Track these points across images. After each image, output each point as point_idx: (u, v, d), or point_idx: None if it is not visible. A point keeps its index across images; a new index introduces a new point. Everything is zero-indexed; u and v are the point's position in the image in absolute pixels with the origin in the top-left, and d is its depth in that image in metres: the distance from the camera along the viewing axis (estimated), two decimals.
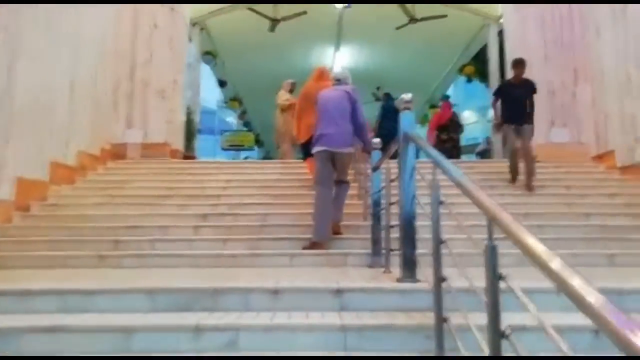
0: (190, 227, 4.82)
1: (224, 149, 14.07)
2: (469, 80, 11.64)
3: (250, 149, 14.81)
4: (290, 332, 2.44)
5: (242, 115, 14.31)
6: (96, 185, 6.33)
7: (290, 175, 6.67)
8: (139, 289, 2.86)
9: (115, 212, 5.35)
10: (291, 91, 8.46)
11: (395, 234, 3.34)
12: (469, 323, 1.75)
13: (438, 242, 2.13)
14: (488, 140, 12.38)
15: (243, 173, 6.85)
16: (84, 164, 6.70)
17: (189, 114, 8.63)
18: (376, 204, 4.05)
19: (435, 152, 2.34)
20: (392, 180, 3.44)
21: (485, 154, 11.87)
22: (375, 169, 4.08)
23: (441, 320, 2.03)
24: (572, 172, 6.82)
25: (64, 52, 6.19)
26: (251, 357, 2.35)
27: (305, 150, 5.60)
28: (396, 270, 3.20)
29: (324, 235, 4.31)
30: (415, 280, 2.89)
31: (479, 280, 1.68)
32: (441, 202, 2.21)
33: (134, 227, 4.79)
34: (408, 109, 2.78)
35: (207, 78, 11.77)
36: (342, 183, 4.56)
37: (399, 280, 2.94)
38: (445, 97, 10.70)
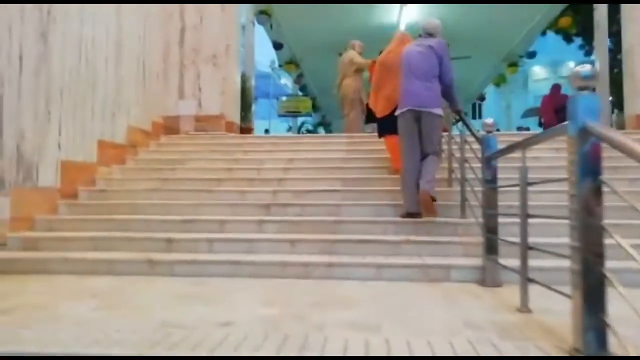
0: (253, 222, 4.09)
1: (280, 115, 13.31)
2: (567, 36, 9.94)
3: (307, 114, 13.95)
4: None
5: (298, 78, 13.39)
6: (147, 165, 5.75)
7: (359, 153, 5.78)
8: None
9: (167, 199, 4.72)
10: (360, 55, 7.44)
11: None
12: None
13: None
14: None
15: (305, 150, 6.03)
16: (134, 140, 6.14)
17: (243, 81, 7.83)
18: (490, 205, 3.10)
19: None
20: (529, 184, 2.47)
21: None
22: (489, 160, 3.11)
23: None
24: None
25: (105, 14, 5.51)
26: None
27: (383, 127, 4.83)
28: (537, 304, 2.30)
29: (412, 205, 3.91)
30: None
31: None
32: None
33: (188, 221, 4.14)
34: (586, 88, 1.78)
35: (261, 39, 10.87)
36: (428, 155, 3.89)
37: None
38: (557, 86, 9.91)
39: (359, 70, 7.13)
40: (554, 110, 9.55)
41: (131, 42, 6.09)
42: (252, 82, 8.66)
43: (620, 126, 6.96)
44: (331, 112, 20.44)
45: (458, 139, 4.38)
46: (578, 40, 24.05)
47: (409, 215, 3.94)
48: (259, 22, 9.28)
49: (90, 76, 5.18)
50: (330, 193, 4.66)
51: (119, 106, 5.80)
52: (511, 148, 2.76)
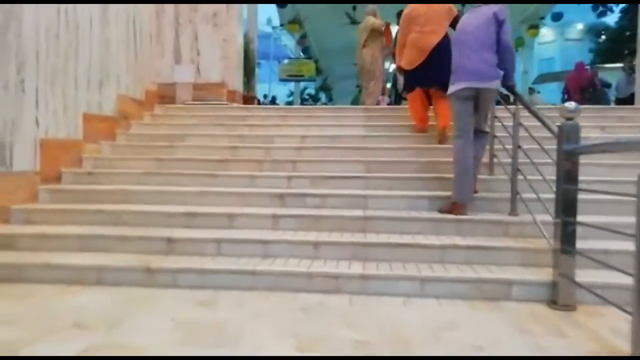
0: (266, 217, 3.48)
1: (281, 80, 12.47)
2: None
3: (311, 79, 13.09)
4: None
5: (301, 40, 12.47)
6: (141, 142, 5.07)
7: (381, 130, 5.11)
8: None
9: (166, 185, 4.10)
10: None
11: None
12: None
13: None
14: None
15: (318, 125, 5.35)
16: (125, 111, 5.43)
17: (246, 43, 7.03)
18: (568, 212, 2.51)
19: None
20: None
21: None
22: (570, 155, 2.49)
23: None
24: None
25: None
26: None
27: (411, 81, 4.71)
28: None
29: (467, 194, 3.48)
30: None
31: None
32: None
33: (191, 214, 3.53)
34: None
35: None
36: (480, 133, 3.62)
37: None
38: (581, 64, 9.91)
39: (375, 36, 6.35)
40: (580, 88, 9.29)
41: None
42: (255, 45, 7.85)
43: None
44: (333, 76, 19.53)
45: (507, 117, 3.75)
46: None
47: (454, 207, 3.46)
48: None
49: (71, 38, 4.42)
50: (354, 180, 4.05)
51: (107, 73, 5.06)
52: (612, 146, 2.14)
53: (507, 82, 3.54)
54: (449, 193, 3.61)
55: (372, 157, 4.50)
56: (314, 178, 4.09)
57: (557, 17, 11.33)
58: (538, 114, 3.09)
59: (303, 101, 15.05)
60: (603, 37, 25.34)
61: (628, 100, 10.05)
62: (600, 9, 24.23)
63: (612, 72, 12.68)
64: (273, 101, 13.73)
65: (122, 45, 5.37)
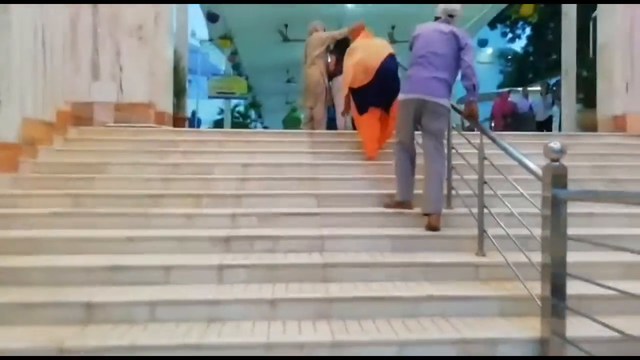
0: (210, 269, 2.95)
1: (211, 97, 11.80)
2: (527, 22, 9.56)
3: (242, 97, 12.54)
4: None
5: (232, 56, 11.93)
6: (51, 173, 4.29)
7: (330, 157, 4.77)
8: None
9: (83, 230, 3.42)
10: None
11: None
12: None
13: None
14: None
15: (261, 152, 4.89)
16: (31, 137, 4.59)
17: (176, 59, 6.41)
18: (557, 262, 2.28)
19: None
20: None
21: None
22: (559, 202, 2.27)
23: None
24: None
25: None
26: None
27: (363, 101, 4.54)
28: None
29: (406, 195, 3.71)
30: None
31: None
32: None
33: (116, 267, 2.90)
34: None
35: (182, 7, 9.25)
36: (434, 152, 3.56)
37: None
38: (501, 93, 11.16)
39: (323, 54, 6.04)
40: (503, 115, 10.06)
41: (25, 7, 4.48)
42: (186, 61, 7.22)
43: (587, 126, 6.61)
44: (263, 93, 19.10)
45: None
46: (500, 27, 24.63)
47: (400, 205, 3.70)
48: None
49: None
50: (307, 217, 3.64)
51: (7, 91, 4.24)
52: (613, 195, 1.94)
53: (469, 97, 3.58)
54: (412, 229, 3.39)
55: (324, 188, 4.14)
56: (262, 216, 3.63)
57: (483, 43, 11.85)
58: (513, 152, 2.89)
59: (233, 119, 14.42)
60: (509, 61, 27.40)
61: (545, 123, 10.67)
62: (509, 35, 26.17)
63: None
64: (197, 122, 12.74)
65: (27, 59, 4.56)
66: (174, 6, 6.58)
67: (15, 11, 4.31)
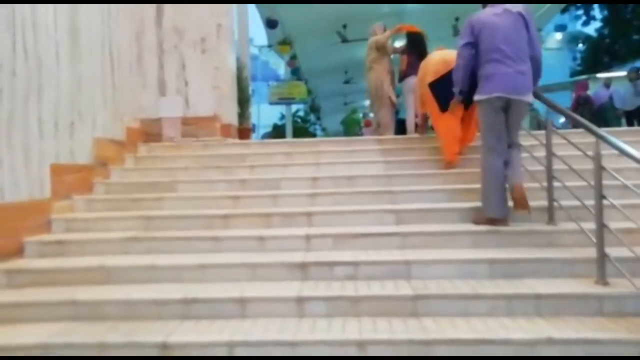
0: (289, 301, 2.69)
1: (271, 103, 11.76)
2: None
3: (302, 101, 12.41)
4: None
5: (291, 61, 11.82)
6: (124, 193, 4.28)
7: (406, 166, 4.41)
8: None
9: (156, 256, 3.29)
10: None
11: None
12: None
13: None
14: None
15: (329, 163, 4.61)
16: (104, 156, 4.63)
17: (239, 69, 6.31)
18: None
19: None
20: None
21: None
22: None
23: None
24: None
25: None
26: None
27: (445, 95, 3.96)
28: None
29: (502, 210, 3.25)
30: None
31: None
32: None
33: (190, 300, 2.72)
34: None
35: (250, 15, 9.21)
36: (515, 146, 3.36)
37: None
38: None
39: (381, 56, 5.69)
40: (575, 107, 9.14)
41: (91, 24, 4.51)
42: (249, 70, 7.13)
43: None
44: (321, 95, 18.94)
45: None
46: (573, 10, 22.87)
47: (492, 221, 3.25)
48: None
49: (33, 74, 3.64)
50: (387, 238, 3.30)
51: (79, 113, 4.27)
52: None
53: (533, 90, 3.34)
54: (512, 250, 2.99)
55: (401, 202, 3.79)
56: (337, 237, 3.33)
57: (561, 28, 10.89)
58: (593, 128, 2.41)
59: (294, 124, 14.38)
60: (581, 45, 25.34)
61: (635, 113, 9.52)
62: (584, 18, 24.27)
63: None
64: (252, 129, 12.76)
65: (97, 79, 4.59)
66: (235, 15, 6.49)
67: (84, 36, 4.33)
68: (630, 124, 9.20)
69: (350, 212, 3.66)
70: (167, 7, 5.55)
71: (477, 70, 3.40)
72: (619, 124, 8.64)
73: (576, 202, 3.12)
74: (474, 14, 3.47)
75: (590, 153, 2.78)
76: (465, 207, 3.58)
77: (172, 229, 3.63)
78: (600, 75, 14.67)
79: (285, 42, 10.17)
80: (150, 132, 5.47)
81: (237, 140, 5.68)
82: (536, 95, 3.48)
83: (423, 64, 4.54)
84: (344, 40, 11.56)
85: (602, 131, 2.85)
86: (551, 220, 3.32)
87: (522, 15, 3.28)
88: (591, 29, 23.30)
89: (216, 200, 4.03)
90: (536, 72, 3.36)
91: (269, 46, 11.95)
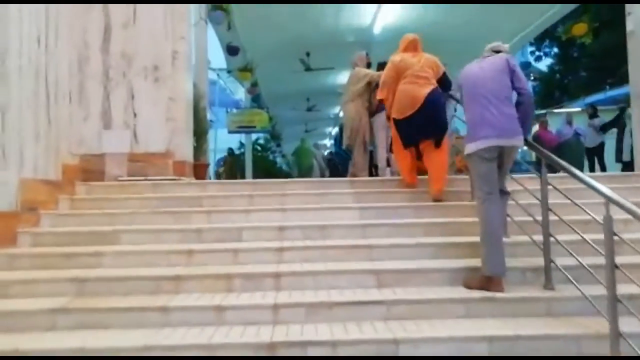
0: None
1: (231, 132, 11.20)
2: (577, 41, 8.72)
3: (263, 130, 11.92)
4: None
5: (251, 88, 11.37)
6: (54, 246, 3.62)
7: (380, 213, 4.01)
8: None
9: (88, 341, 2.65)
10: (369, 65, 5.71)
11: None
12: None
13: None
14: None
15: (297, 209, 4.15)
16: (32, 200, 3.95)
17: (196, 100, 5.77)
18: None
19: None
20: None
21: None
22: None
23: None
24: None
25: None
26: None
27: (409, 134, 4.26)
28: None
29: (500, 267, 2.96)
30: None
31: None
32: None
33: None
34: None
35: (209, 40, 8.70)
36: (502, 193, 3.24)
37: None
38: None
39: (367, 89, 5.36)
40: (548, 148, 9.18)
41: (24, 47, 3.89)
42: (206, 101, 6.59)
43: None
44: (281, 122, 18.54)
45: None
46: (527, 46, 23.86)
47: (488, 282, 2.93)
48: (213, 22, 7.18)
49: None
50: (370, 307, 2.84)
51: (2, 149, 3.60)
52: None
53: (524, 136, 3.20)
54: (512, 321, 2.58)
55: (382, 260, 3.37)
56: (311, 307, 2.84)
57: (525, 65, 11.08)
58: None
59: (254, 152, 13.83)
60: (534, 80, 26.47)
61: (595, 150, 9.59)
62: (537, 53, 25.39)
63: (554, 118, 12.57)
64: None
65: (28, 109, 3.94)
66: (193, 41, 5.99)
67: (13, 56, 3.71)
68: (591, 161, 9.30)
69: (325, 273, 3.18)
70: (116, 30, 4.99)
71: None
72: (582, 162, 8.65)
73: (574, 262, 2.81)
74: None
75: (598, 218, 2.46)
76: (453, 266, 3.19)
77: (111, 295, 3.02)
78: (557, 110, 15.16)
79: (246, 68, 9.74)
80: (91, 170, 4.82)
81: (193, 180, 5.10)
82: (528, 144, 3.32)
83: (388, 65, 4.51)
84: (308, 68, 11.27)
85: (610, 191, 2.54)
86: (549, 283, 2.98)
87: (502, 59, 3.24)
88: (543, 65, 24.37)
89: (166, 255, 3.45)
90: (528, 115, 3.25)
91: (229, 71, 11.47)
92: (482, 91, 3.16)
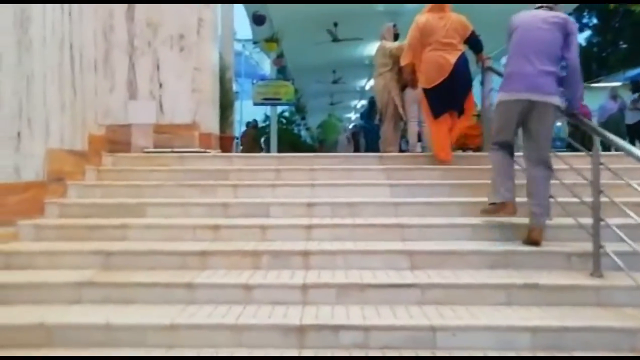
0: None
1: (256, 104, 11.04)
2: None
3: (289, 102, 11.69)
4: None
5: (277, 59, 11.12)
6: (80, 218, 3.57)
7: (412, 191, 3.83)
8: None
9: (113, 316, 2.62)
10: (396, 37, 5.45)
11: None
12: None
13: None
14: None
15: (325, 185, 3.99)
16: (59, 171, 3.91)
17: (222, 70, 5.62)
18: None
19: None
20: None
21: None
22: None
23: None
24: None
25: None
26: None
27: (438, 103, 4.18)
28: None
29: (508, 194, 3.07)
30: None
31: None
32: None
33: None
34: None
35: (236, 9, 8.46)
36: (543, 166, 3.05)
37: None
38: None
39: (395, 61, 5.10)
40: None
41: (47, 16, 3.78)
42: (233, 71, 6.42)
43: None
44: (306, 95, 18.27)
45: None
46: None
47: (498, 208, 3.09)
48: None
49: None
50: (402, 290, 2.70)
51: (27, 120, 3.54)
52: None
53: (570, 109, 3.12)
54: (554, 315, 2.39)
55: (414, 239, 3.21)
56: (342, 288, 2.72)
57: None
58: None
59: (279, 124, 13.66)
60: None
61: (635, 128, 9.09)
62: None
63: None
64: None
65: (53, 79, 3.86)
66: (219, 10, 5.80)
67: (35, 24, 3.60)
68: (631, 138, 8.83)
69: (355, 253, 3.05)
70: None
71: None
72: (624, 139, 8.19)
73: (626, 248, 2.60)
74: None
75: None
76: (492, 249, 3.02)
77: (136, 270, 2.96)
78: (594, 85, 14.44)
79: (272, 39, 9.47)
80: (117, 141, 4.75)
81: (219, 152, 4.99)
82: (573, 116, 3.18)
83: (411, 44, 4.42)
84: (335, 39, 10.93)
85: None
86: (597, 270, 2.77)
87: (559, 19, 3.09)
88: (581, 38, 23.22)
89: (192, 230, 3.37)
90: (574, 85, 3.10)
91: (254, 42, 11.22)
92: (528, 43, 3.07)
